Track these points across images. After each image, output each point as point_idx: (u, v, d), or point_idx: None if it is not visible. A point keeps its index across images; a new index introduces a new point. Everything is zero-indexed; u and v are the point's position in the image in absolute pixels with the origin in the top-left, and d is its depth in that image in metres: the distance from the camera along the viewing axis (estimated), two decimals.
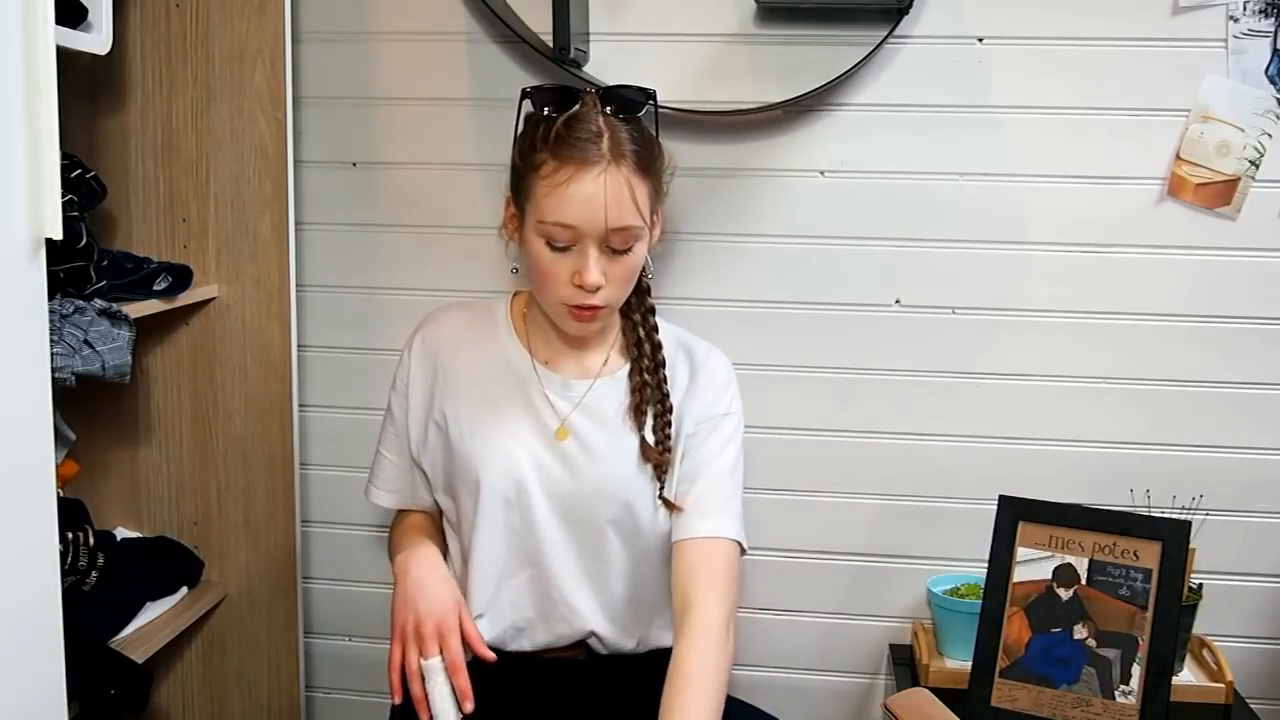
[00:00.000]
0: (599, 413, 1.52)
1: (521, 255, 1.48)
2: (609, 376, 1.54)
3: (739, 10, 1.79)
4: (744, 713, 1.60)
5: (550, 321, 1.52)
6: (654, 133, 1.48)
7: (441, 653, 1.44)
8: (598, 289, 1.41)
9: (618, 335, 1.57)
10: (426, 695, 1.43)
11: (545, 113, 1.43)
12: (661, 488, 1.52)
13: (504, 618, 1.53)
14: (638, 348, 1.54)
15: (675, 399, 1.53)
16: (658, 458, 1.51)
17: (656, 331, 1.56)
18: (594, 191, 1.37)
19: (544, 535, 1.50)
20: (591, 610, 1.53)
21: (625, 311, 1.56)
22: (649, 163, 1.44)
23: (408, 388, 1.57)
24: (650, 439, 1.51)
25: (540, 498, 1.50)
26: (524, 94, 1.47)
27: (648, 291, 1.56)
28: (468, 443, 1.51)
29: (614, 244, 1.41)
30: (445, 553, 1.59)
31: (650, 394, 1.52)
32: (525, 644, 1.54)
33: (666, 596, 1.55)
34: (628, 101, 1.44)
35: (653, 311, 1.57)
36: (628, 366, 1.55)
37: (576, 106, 1.41)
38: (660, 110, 1.74)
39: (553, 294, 1.44)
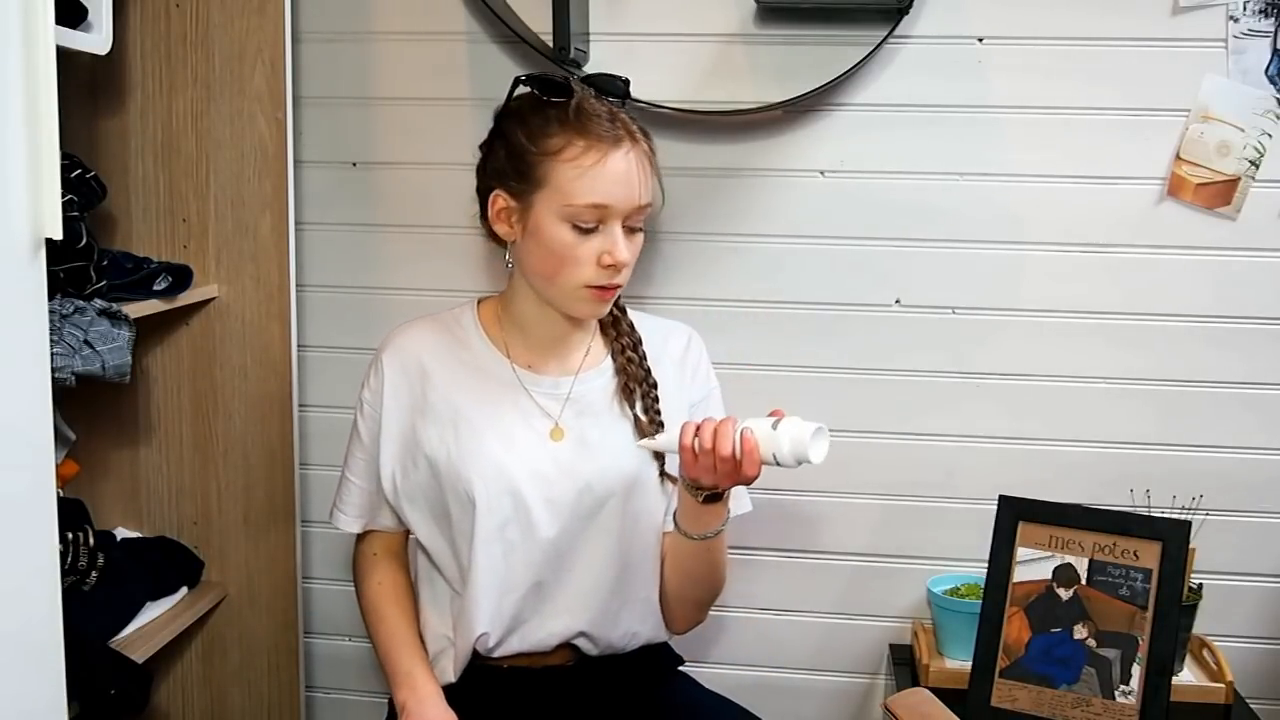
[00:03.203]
0: (590, 405, 1.52)
1: (516, 247, 1.48)
2: (595, 368, 1.54)
3: (739, 10, 1.79)
4: (729, 712, 1.60)
5: (537, 324, 1.51)
6: None
7: None
8: (624, 266, 1.43)
9: (596, 328, 1.57)
10: None
11: (547, 99, 1.44)
12: (662, 465, 1.53)
13: (501, 623, 1.50)
14: (615, 327, 1.55)
15: (667, 391, 1.54)
16: (651, 432, 1.51)
17: (625, 312, 1.58)
18: (626, 169, 1.41)
19: (543, 543, 1.48)
20: (586, 609, 1.51)
21: None
22: (653, 143, 1.48)
23: (380, 411, 1.53)
24: (643, 418, 1.52)
25: (539, 505, 1.47)
26: (518, 81, 1.48)
27: None
28: (457, 463, 1.47)
29: (634, 222, 1.44)
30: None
31: (634, 372, 1.53)
32: (515, 643, 1.52)
33: (659, 589, 1.56)
34: (613, 89, 1.48)
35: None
36: (609, 356, 1.55)
37: (578, 91, 1.44)
38: (660, 110, 1.76)
39: (573, 278, 1.43)
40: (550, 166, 1.41)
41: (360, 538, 1.63)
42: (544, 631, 1.52)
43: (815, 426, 1.35)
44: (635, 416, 1.52)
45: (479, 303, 1.58)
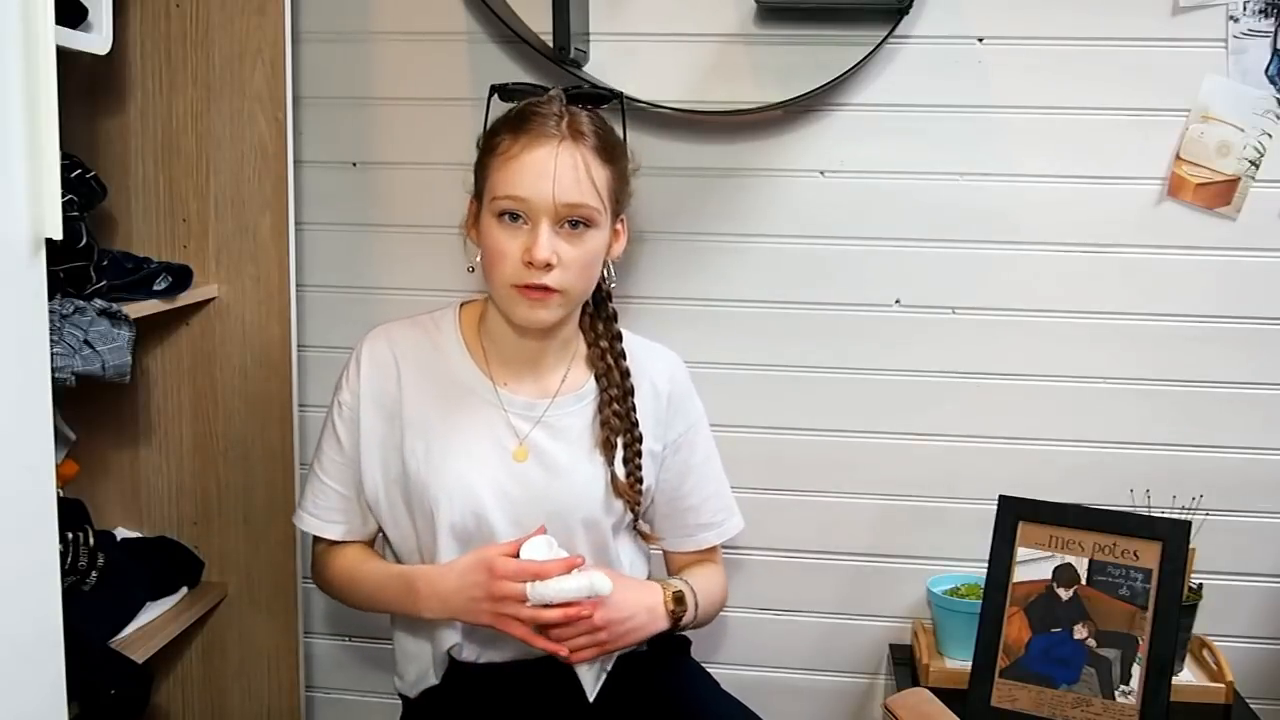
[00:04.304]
0: (562, 430, 1.49)
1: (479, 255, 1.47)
2: (572, 394, 1.51)
3: (739, 10, 1.79)
4: (734, 712, 1.58)
5: (508, 338, 1.48)
6: (622, 136, 1.49)
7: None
8: (547, 265, 1.38)
9: (578, 353, 1.53)
10: (560, 603, 1.38)
11: (512, 104, 1.45)
12: (635, 519, 1.52)
13: (477, 635, 1.48)
14: (606, 377, 1.51)
15: (644, 425, 1.51)
16: (629, 492, 1.48)
17: (624, 358, 1.53)
18: (545, 163, 1.38)
19: None
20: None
21: (592, 340, 1.53)
22: (610, 150, 1.44)
23: (358, 413, 1.49)
24: (620, 471, 1.49)
25: (502, 526, 1.45)
26: (492, 90, 1.48)
27: (614, 318, 1.54)
28: (424, 473, 1.45)
29: (567, 220, 1.39)
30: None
31: (619, 424, 1.49)
32: (495, 656, 1.50)
33: None
34: (591, 97, 1.47)
35: (619, 338, 1.54)
36: (591, 383, 1.51)
37: (548, 97, 1.44)
38: (660, 110, 1.76)
39: (502, 275, 1.40)
40: (487, 163, 1.42)
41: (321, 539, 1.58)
42: (519, 649, 1.47)
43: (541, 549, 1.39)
44: (612, 472, 1.48)
45: (461, 306, 1.55)
